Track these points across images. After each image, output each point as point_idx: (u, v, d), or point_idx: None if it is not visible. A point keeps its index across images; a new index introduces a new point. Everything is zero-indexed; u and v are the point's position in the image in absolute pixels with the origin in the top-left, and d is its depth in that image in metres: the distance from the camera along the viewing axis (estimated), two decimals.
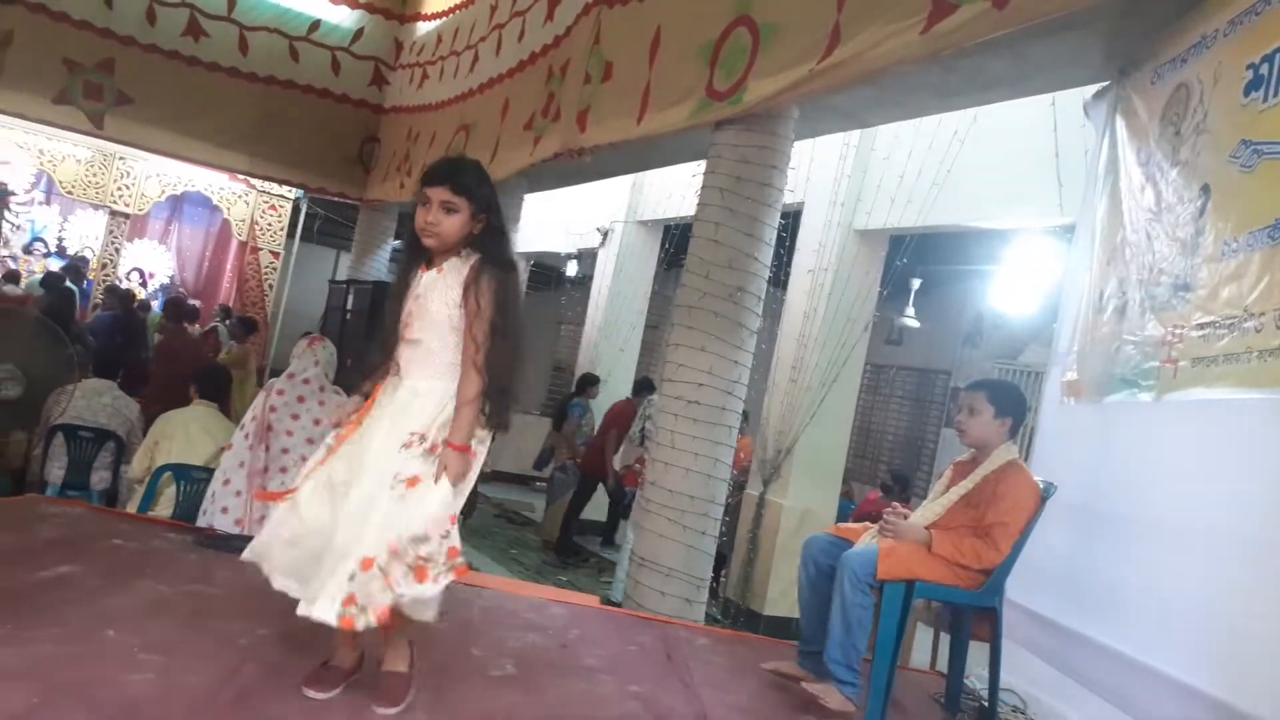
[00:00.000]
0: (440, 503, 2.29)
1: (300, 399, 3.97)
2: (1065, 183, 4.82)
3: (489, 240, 2.45)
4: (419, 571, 2.23)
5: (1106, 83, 3.96)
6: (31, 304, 7.90)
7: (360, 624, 2.19)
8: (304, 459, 3.87)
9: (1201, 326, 2.89)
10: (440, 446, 2.33)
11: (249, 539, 3.65)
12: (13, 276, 10.11)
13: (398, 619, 2.27)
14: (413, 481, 2.27)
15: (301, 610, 2.22)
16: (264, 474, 3.87)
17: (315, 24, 10.08)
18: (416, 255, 2.49)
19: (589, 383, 8.73)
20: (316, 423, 3.95)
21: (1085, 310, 3.73)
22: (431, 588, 2.24)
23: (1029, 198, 5.39)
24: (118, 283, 11.96)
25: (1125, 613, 3.00)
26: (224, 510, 3.83)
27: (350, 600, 2.18)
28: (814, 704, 2.92)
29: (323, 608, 2.18)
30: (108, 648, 2.44)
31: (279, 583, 2.34)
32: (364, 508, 2.25)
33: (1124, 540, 3.11)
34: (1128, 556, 3.06)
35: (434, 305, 2.39)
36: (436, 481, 2.28)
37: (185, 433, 4.45)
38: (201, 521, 3.88)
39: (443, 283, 2.41)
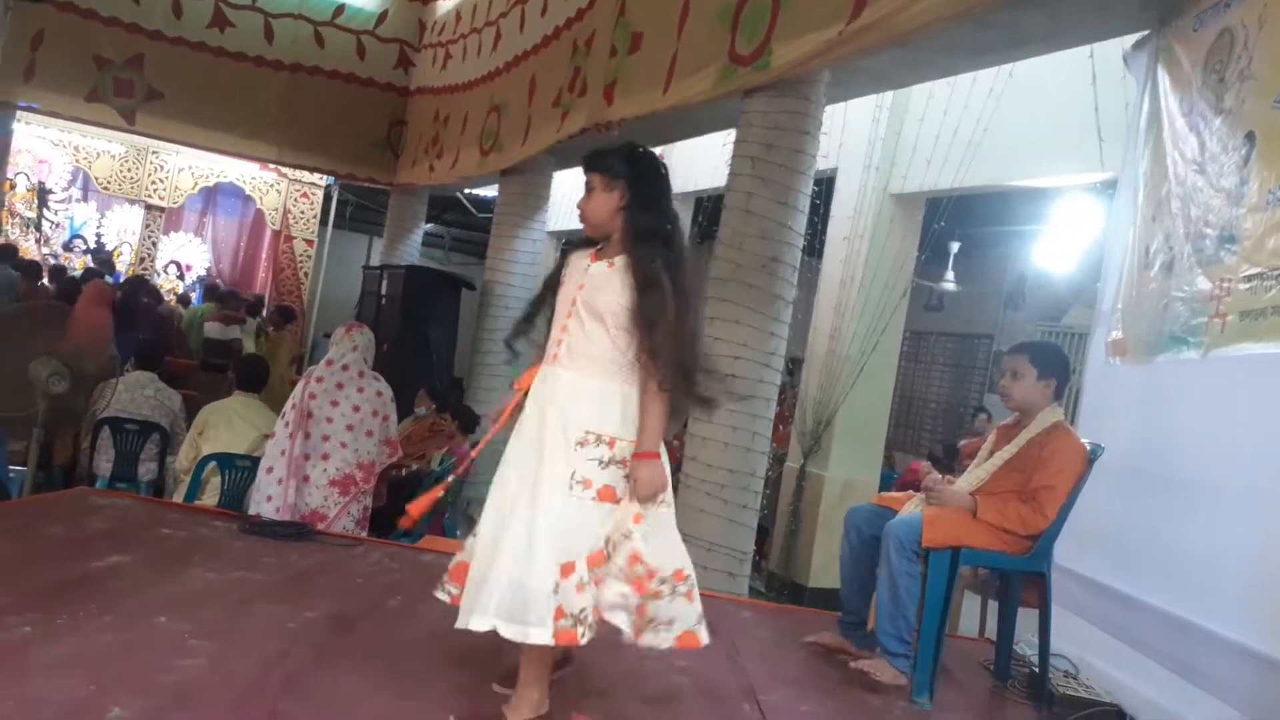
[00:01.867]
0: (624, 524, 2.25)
1: (339, 385, 4.01)
2: (1106, 137, 4.70)
3: (641, 215, 2.33)
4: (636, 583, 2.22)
5: (1146, 32, 3.83)
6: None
7: (583, 637, 2.16)
8: (344, 445, 3.94)
9: (1249, 279, 2.80)
10: (614, 449, 2.25)
11: (294, 524, 3.74)
12: (59, 273, 10.28)
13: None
14: (600, 492, 2.23)
15: (514, 637, 2.13)
16: (306, 461, 3.91)
17: (339, 8, 10.09)
18: (585, 243, 2.46)
19: None
20: (356, 409, 3.99)
21: (1130, 267, 3.64)
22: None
23: (1069, 154, 5.26)
24: (153, 276, 12.13)
25: (1177, 575, 2.94)
26: (268, 499, 3.90)
27: (560, 614, 2.13)
28: (864, 677, 2.89)
29: (537, 634, 2.11)
30: (159, 635, 2.47)
31: (484, 623, 2.14)
32: (547, 514, 2.18)
33: (1174, 501, 3.04)
34: (1178, 517, 2.99)
35: (601, 299, 2.29)
36: (636, 500, 2.23)
37: (228, 422, 4.51)
38: (250, 510, 3.95)
39: (616, 278, 2.30)
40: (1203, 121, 3.22)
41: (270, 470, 3.93)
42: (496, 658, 2.63)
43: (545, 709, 2.27)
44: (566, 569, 2.15)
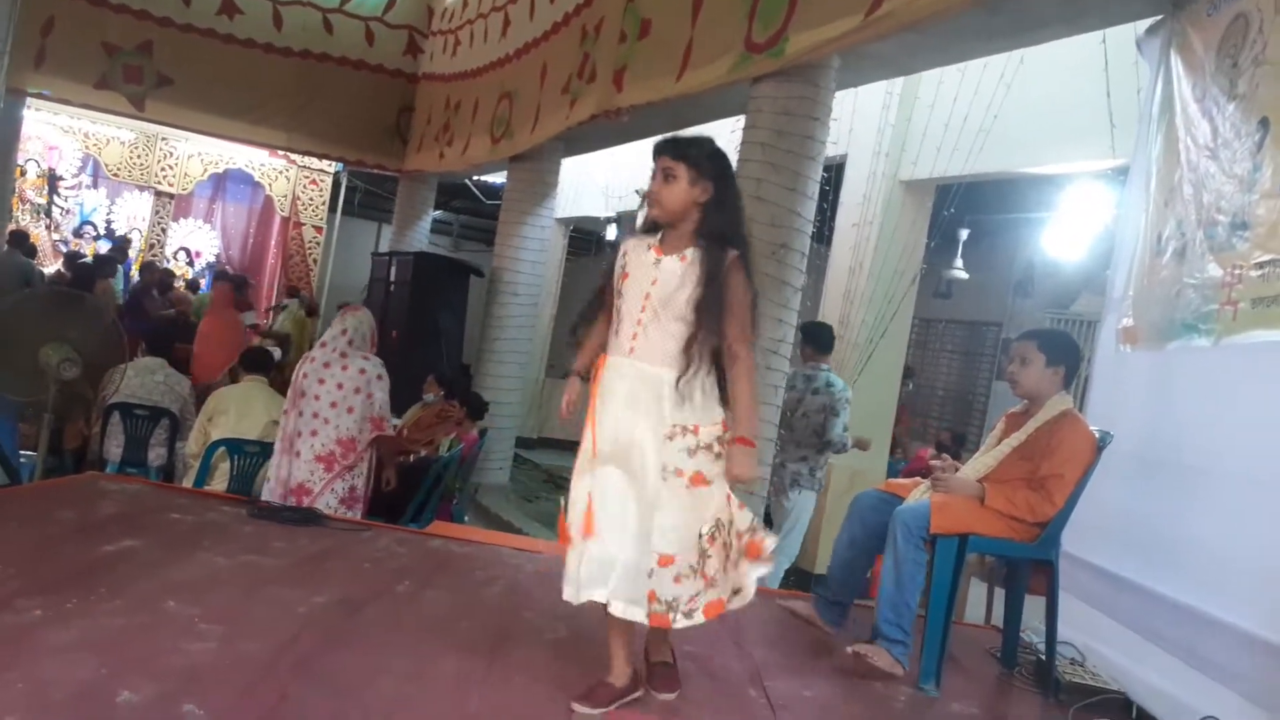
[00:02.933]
0: (720, 504, 2.37)
1: (327, 365, 4.08)
2: (1117, 123, 4.66)
3: (718, 214, 2.38)
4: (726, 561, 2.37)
5: (1159, 17, 3.80)
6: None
7: (677, 623, 2.31)
8: (326, 422, 3.99)
9: (1260, 266, 2.78)
10: (715, 443, 2.35)
11: (303, 509, 3.77)
12: (74, 259, 10.32)
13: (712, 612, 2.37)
14: (693, 478, 2.32)
15: (614, 610, 2.29)
16: (298, 438, 3.97)
17: None
18: (649, 232, 2.45)
19: None
20: (339, 386, 4.05)
21: (1142, 254, 3.62)
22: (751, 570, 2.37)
23: (1079, 140, 5.22)
24: (164, 262, 12.16)
25: (1185, 563, 2.93)
26: (267, 479, 4.01)
27: (652, 597, 2.29)
28: (861, 660, 2.90)
29: (631, 610, 2.29)
30: (169, 618, 2.49)
31: (596, 594, 2.30)
32: (650, 503, 2.29)
33: (1183, 490, 3.03)
34: (1187, 506, 2.98)
35: (677, 292, 2.32)
36: (729, 486, 2.38)
37: (238, 408, 4.54)
38: (264, 495, 4.01)
39: (686, 271, 2.33)
40: (1216, 107, 3.19)
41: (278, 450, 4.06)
42: (502, 644, 2.65)
43: (638, 690, 2.43)
44: (665, 560, 2.29)
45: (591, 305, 2.53)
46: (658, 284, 2.34)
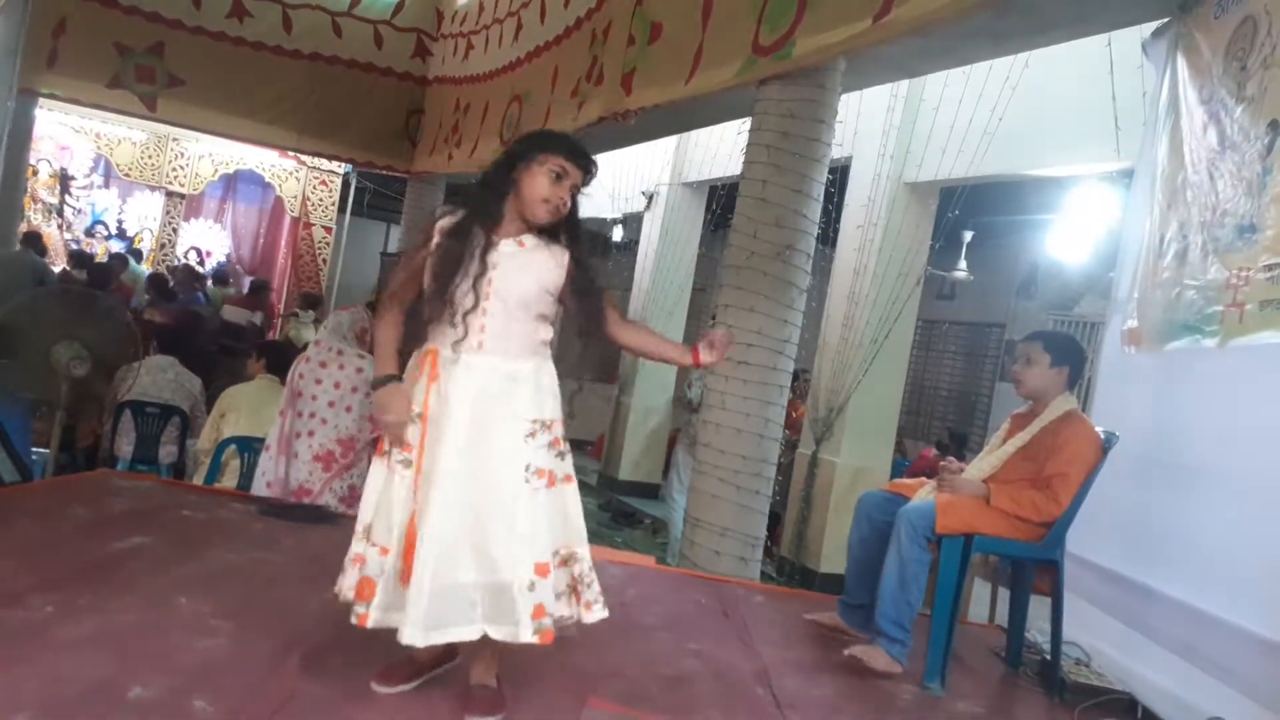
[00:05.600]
0: (579, 515, 2.24)
1: (323, 364, 4.08)
2: (1123, 126, 4.67)
3: (578, 225, 2.34)
4: (576, 594, 2.22)
5: (1165, 20, 3.81)
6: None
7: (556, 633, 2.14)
8: (324, 421, 4.00)
9: (1269, 268, 2.78)
10: (562, 440, 2.23)
11: (312, 507, 3.79)
12: (82, 259, 10.37)
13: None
14: (551, 479, 2.19)
15: (498, 637, 2.11)
16: (297, 438, 3.99)
17: None
18: (479, 219, 2.24)
19: None
20: (337, 385, 4.06)
21: (1145, 256, 3.63)
22: (589, 616, 2.22)
23: (1084, 143, 5.23)
24: (176, 262, 12.22)
25: (1191, 564, 2.94)
26: (263, 474, 3.99)
27: (540, 612, 2.10)
28: (861, 665, 2.90)
29: (524, 633, 2.09)
30: (181, 615, 2.51)
31: (472, 633, 2.12)
32: (510, 509, 2.12)
33: (1189, 491, 3.04)
34: (1193, 507, 2.99)
35: (524, 280, 2.21)
36: None
37: (249, 406, 4.57)
38: (252, 491, 4.03)
39: (528, 258, 2.24)
40: (1223, 110, 3.20)
41: (268, 448, 4.04)
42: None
43: (451, 659, 2.35)
44: (541, 569, 2.12)
45: (438, 296, 2.20)
46: (499, 269, 2.20)
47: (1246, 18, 3.15)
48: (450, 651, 2.34)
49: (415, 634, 2.07)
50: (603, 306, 2.32)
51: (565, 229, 2.32)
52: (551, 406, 2.25)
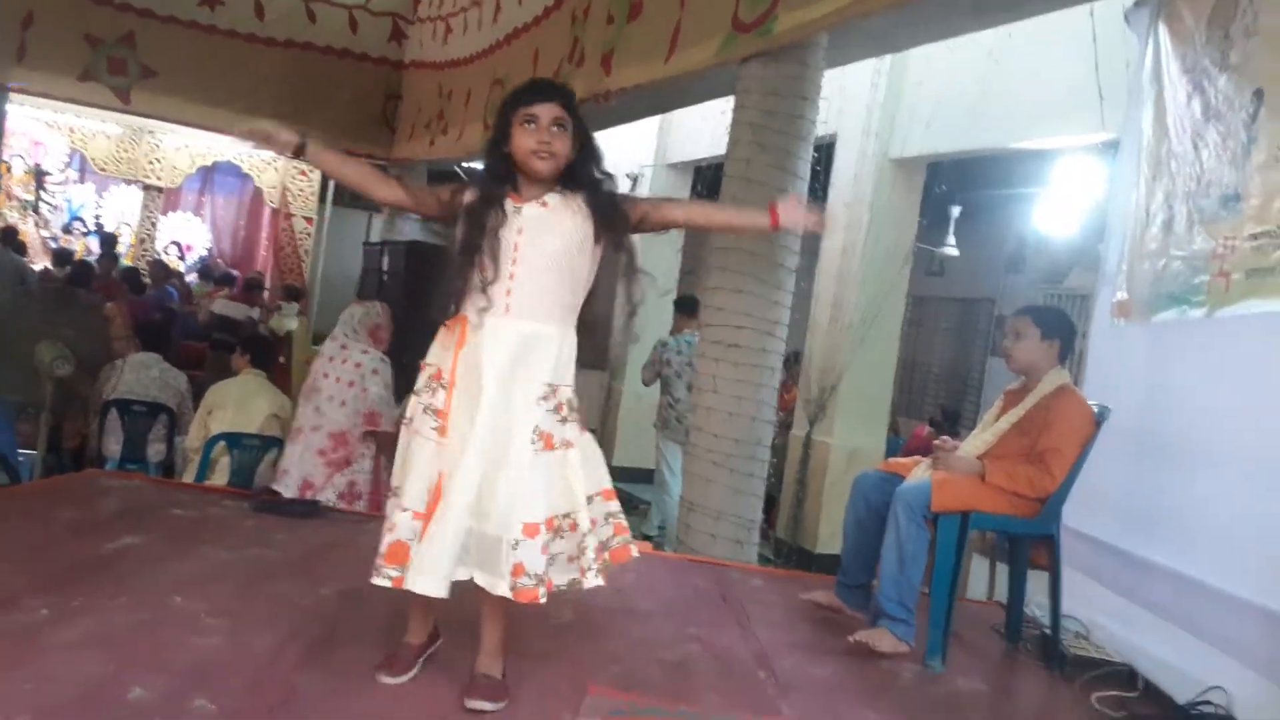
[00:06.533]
0: (583, 479, 2.25)
1: (330, 358, 4.08)
2: (1107, 97, 4.66)
3: (592, 164, 2.28)
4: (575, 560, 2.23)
5: None
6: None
7: (542, 596, 2.13)
8: (324, 415, 3.98)
9: (1255, 237, 2.78)
10: (566, 406, 2.24)
11: (304, 502, 3.76)
12: (64, 257, 10.25)
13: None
14: (549, 442, 2.20)
15: (481, 582, 2.15)
16: (313, 431, 3.96)
17: None
18: (498, 184, 2.26)
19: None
20: (337, 380, 4.05)
21: (1133, 228, 3.62)
22: (585, 581, 2.23)
23: (1069, 115, 5.22)
24: (156, 256, 12.11)
25: (1187, 535, 2.95)
26: (285, 471, 3.97)
27: (519, 570, 2.11)
28: (867, 649, 2.90)
29: (501, 584, 2.11)
30: (175, 614, 2.50)
31: (462, 573, 2.15)
32: (513, 467, 2.15)
33: (1184, 462, 3.05)
34: (1188, 478, 3.00)
35: (549, 241, 2.22)
36: None
37: (237, 401, 4.53)
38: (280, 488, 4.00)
39: (551, 218, 2.23)
40: (1206, 79, 3.19)
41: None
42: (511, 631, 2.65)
43: (438, 639, 2.41)
44: (530, 529, 2.13)
45: (466, 267, 2.22)
46: (525, 233, 2.21)
47: None
48: (435, 632, 2.40)
49: (429, 584, 2.11)
50: (628, 217, 2.32)
51: (579, 174, 2.29)
52: (565, 373, 2.27)
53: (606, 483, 2.38)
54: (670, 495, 6.48)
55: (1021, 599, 3.31)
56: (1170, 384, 3.22)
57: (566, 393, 2.26)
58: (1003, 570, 3.61)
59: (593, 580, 2.24)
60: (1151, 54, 3.67)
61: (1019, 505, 2.99)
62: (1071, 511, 3.13)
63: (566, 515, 2.23)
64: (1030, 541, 3.23)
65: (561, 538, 2.23)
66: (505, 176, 2.27)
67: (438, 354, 2.31)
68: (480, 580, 2.15)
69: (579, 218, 2.26)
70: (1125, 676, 3.00)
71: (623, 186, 9.94)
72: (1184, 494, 2.99)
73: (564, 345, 2.26)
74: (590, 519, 2.27)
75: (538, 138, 2.20)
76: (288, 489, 3.87)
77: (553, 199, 2.26)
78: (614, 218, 2.28)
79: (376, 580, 2.18)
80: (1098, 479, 3.14)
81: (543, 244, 2.22)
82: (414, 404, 2.29)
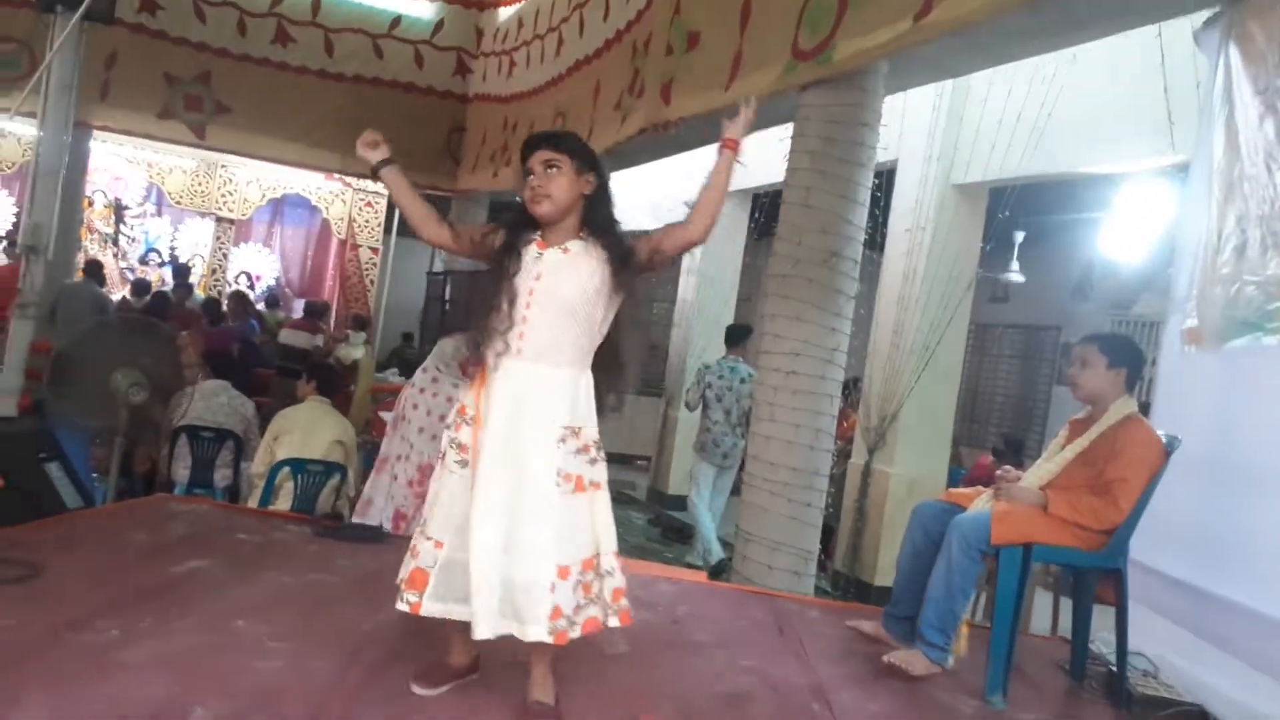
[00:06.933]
0: (607, 522, 2.29)
1: (422, 390, 4.18)
2: (1176, 120, 4.56)
3: (603, 206, 2.38)
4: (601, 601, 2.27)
5: (1216, 9, 3.72)
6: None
7: (573, 635, 2.19)
8: (412, 447, 4.03)
9: None
10: (594, 447, 2.29)
11: (366, 527, 3.82)
12: (142, 287, 10.61)
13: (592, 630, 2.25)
14: (579, 484, 2.25)
15: (512, 631, 2.19)
16: (399, 461, 4.04)
17: (396, 20, 10.26)
18: (520, 233, 2.37)
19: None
20: (428, 412, 4.13)
21: (1203, 252, 3.53)
22: (608, 622, 2.27)
23: (1137, 138, 5.12)
24: (227, 287, 12.47)
25: (1260, 569, 2.85)
26: (371, 503, 4.14)
27: (557, 613, 2.17)
28: (900, 672, 2.87)
29: (535, 631, 2.16)
30: (238, 637, 2.54)
31: (487, 629, 2.19)
32: (539, 511, 2.20)
33: (1256, 494, 2.94)
34: (1261, 511, 2.90)
35: (565, 288, 2.28)
36: None
37: (302, 428, 4.62)
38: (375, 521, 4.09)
39: (570, 264, 2.30)
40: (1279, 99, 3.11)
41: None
42: (566, 659, 2.65)
43: (475, 671, 2.44)
44: (563, 571, 2.19)
45: (489, 310, 2.32)
46: (543, 279, 2.28)
47: None
48: (475, 663, 2.45)
49: (482, 628, 2.16)
50: (640, 257, 2.36)
51: (590, 218, 2.37)
52: (584, 414, 2.31)
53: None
54: (698, 521, 6.63)
55: (1086, 634, 3.21)
56: (1243, 413, 3.12)
57: (591, 434, 2.30)
58: (1067, 605, 3.51)
59: (613, 622, 2.28)
60: (1222, 75, 3.59)
61: (1083, 538, 2.91)
62: (1139, 544, 3.04)
63: (595, 555, 2.27)
64: (1095, 575, 3.14)
65: (592, 578, 2.26)
66: (530, 224, 2.37)
67: (465, 392, 2.41)
68: (518, 632, 2.19)
69: (596, 263, 2.31)
70: (1195, 717, 2.89)
71: (679, 216, 9.98)
72: (1257, 527, 2.89)
73: (580, 387, 2.31)
74: (613, 563, 2.30)
75: (530, 185, 2.31)
76: (378, 519, 3.95)
77: (575, 245, 2.34)
78: (627, 261, 2.33)
79: (399, 605, 2.27)
80: (1167, 511, 3.05)
81: (558, 289, 2.28)
82: (446, 438, 2.37)
